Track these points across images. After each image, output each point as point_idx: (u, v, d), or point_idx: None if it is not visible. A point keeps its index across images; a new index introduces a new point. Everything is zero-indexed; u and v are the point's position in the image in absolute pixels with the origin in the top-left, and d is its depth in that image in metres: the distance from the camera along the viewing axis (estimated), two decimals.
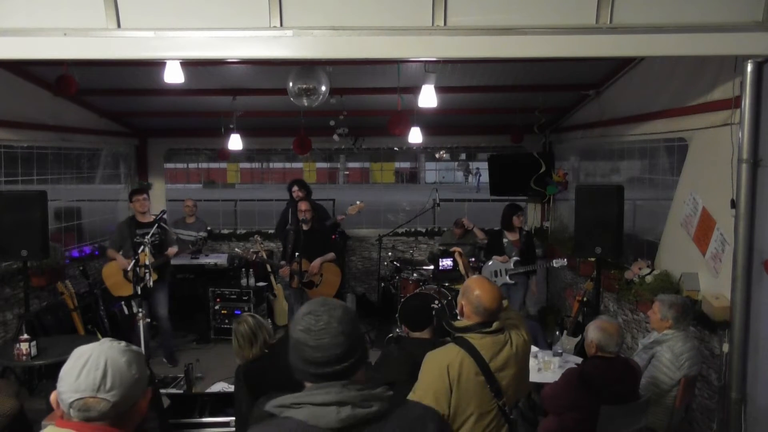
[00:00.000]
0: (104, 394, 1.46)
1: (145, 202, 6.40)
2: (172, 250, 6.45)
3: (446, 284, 6.71)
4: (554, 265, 6.55)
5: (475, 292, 2.71)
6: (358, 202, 7.32)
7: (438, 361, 2.66)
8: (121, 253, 6.22)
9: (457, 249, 3.27)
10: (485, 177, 24.14)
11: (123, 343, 1.57)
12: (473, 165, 25.00)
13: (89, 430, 1.47)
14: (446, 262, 3.22)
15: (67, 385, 1.48)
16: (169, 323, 6.50)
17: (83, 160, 7.57)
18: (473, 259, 6.92)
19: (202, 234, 7.62)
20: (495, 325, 2.71)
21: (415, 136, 6.97)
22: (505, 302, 2.98)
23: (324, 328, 1.54)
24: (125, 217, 7.11)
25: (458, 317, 2.87)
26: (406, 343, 3.66)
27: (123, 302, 5.79)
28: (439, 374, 2.61)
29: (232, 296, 7.31)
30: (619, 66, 5.79)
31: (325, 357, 1.53)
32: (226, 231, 8.95)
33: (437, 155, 13.36)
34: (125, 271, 5.93)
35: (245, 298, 7.28)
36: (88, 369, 1.47)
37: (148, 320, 5.31)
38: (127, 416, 1.52)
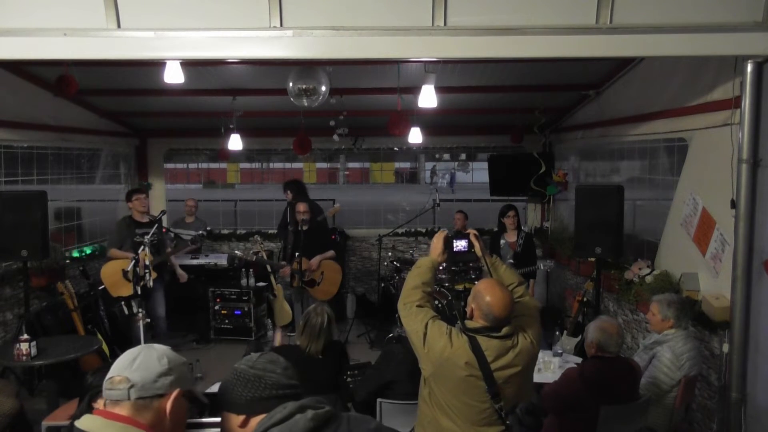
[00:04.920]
0: (128, 373, 1.59)
1: (146, 201, 6.40)
2: (170, 250, 6.47)
3: (446, 284, 6.71)
4: (542, 267, 6.56)
5: (486, 298, 2.70)
6: (336, 205, 7.67)
7: (447, 331, 2.73)
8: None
9: (473, 231, 3.21)
10: (460, 176, 23.92)
11: (167, 348, 1.70)
12: (439, 166, 24.43)
13: (115, 419, 1.56)
14: (461, 243, 3.14)
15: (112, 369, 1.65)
16: (166, 323, 6.49)
17: (83, 160, 7.56)
18: (471, 263, 6.91)
19: (201, 232, 7.61)
20: (504, 330, 2.70)
21: (415, 136, 6.98)
22: (520, 290, 2.97)
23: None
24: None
25: (465, 318, 2.86)
26: (408, 342, 3.67)
27: (123, 302, 5.79)
28: (441, 334, 2.70)
29: (232, 296, 7.31)
30: (619, 66, 5.79)
31: (280, 384, 1.69)
32: (226, 231, 8.95)
33: (437, 156, 13.30)
34: (124, 271, 5.92)
35: (245, 298, 7.28)
36: (126, 355, 1.65)
37: (148, 320, 5.31)
38: (149, 412, 1.58)
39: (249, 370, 1.67)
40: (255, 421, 1.61)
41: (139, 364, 1.60)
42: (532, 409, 3.96)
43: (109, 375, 1.62)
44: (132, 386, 1.57)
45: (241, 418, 1.63)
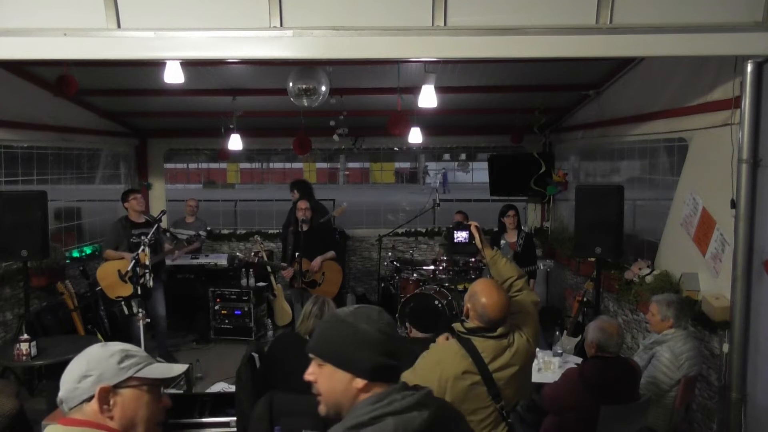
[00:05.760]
0: (60, 391, 1.60)
1: (143, 200, 6.40)
2: (168, 248, 6.48)
3: (446, 284, 6.71)
4: (542, 267, 6.58)
5: (481, 300, 2.70)
6: (343, 204, 7.67)
7: (434, 355, 2.74)
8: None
9: (474, 223, 3.21)
10: (460, 176, 23.74)
11: (101, 344, 1.67)
12: (431, 166, 24.12)
13: (71, 423, 1.56)
14: (461, 235, 3.16)
15: None
16: (166, 323, 6.49)
17: (83, 160, 7.56)
18: (473, 260, 6.92)
19: (201, 233, 7.61)
20: (499, 330, 2.70)
21: (415, 136, 6.97)
22: (519, 283, 2.97)
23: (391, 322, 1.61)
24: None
25: (463, 318, 2.87)
26: (408, 343, 3.67)
27: (123, 302, 5.80)
28: (433, 366, 2.68)
29: (232, 296, 7.31)
30: (619, 66, 5.79)
31: (400, 349, 1.59)
32: (226, 231, 8.95)
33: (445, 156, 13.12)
34: (120, 272, 5.92)
35: (245, 298, 7.27)
36: None
37: (148, 320, 5.31)
38: (88, 416, 1.57)
39: (375, 332, 1.54)
40: (376, 388, 1.53)
41: (63, 379, 1.60)
42: (533, 406, 3.97)
43: None
44: (59, 400, 1.59)
45: (363, 382, 1.52)
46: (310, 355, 1.60)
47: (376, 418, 1.43)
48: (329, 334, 1.57)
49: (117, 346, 1.64)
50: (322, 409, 1.59)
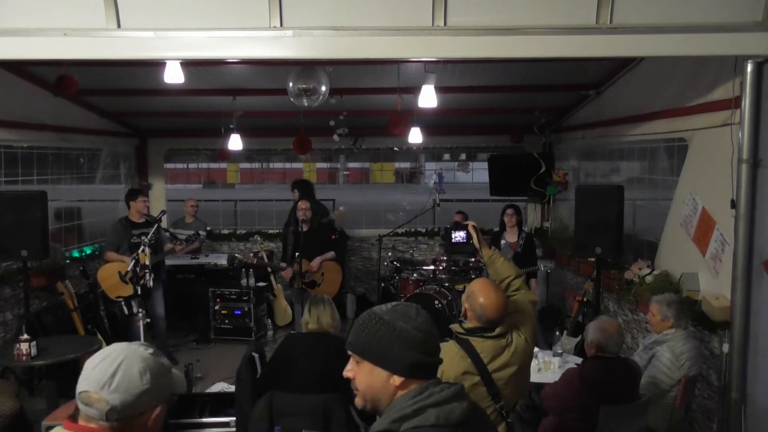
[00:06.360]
0: (106, 394, 1.45)
1: (148, 204, 6.40)
2: (168, 247, 6.48)
3: (446, 284, 6.71)
4: (542, 268, 6.59)
5: (479, 300, 2.70)
6: (340, 208, 7.91)
7: None
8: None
9: (471, 222, 3.21)
10: (448, 177, 23.65)
11: (151, 351, 1.56)
12: (427, 166, 23.80)
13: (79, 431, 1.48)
14: (459, 234, 3.17)
15: (83, 374, 1.49)
16: (165, 323, 6.49)
17: (83, 160, 7.56)
18: (473, 259, 6.92)
19: (201, 232, 7.60)
20: (497, 330, 2.71)
21: (415, 136, 6.98)
22: (516, 283, 2.96)
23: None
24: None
25: (461, 318, 2.87)
26: None
27: (123, 302, 5.80)
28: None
29: (232, 296, 7.31)
30: (619, 66, 5.79)
31: (438, 345, 1.64)
32: (226, 231, 8.96)
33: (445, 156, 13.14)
34: (120, 273, 5.92)
35: (245, 298, 7.27)
36: (103, 364, 1.48)
37: (148, 320, 5.31)
38: (131, 427, 1.50)
39: (413, 331, 1.55)
40: (413, 384, 1.55)
41: (119, 383, 1.45)
42: (532, 405, 3.97)
43: (83, 386, 1.47)
44: (111, 409, 1.45)
45: (401, 379, 1.54)
46: (349, 352, 1.62)
47: (419, 410, 1.48)
48: (367, 333, 1.58)
49: (166, 360, 1.59)
50: (359, 402, 1.62)
